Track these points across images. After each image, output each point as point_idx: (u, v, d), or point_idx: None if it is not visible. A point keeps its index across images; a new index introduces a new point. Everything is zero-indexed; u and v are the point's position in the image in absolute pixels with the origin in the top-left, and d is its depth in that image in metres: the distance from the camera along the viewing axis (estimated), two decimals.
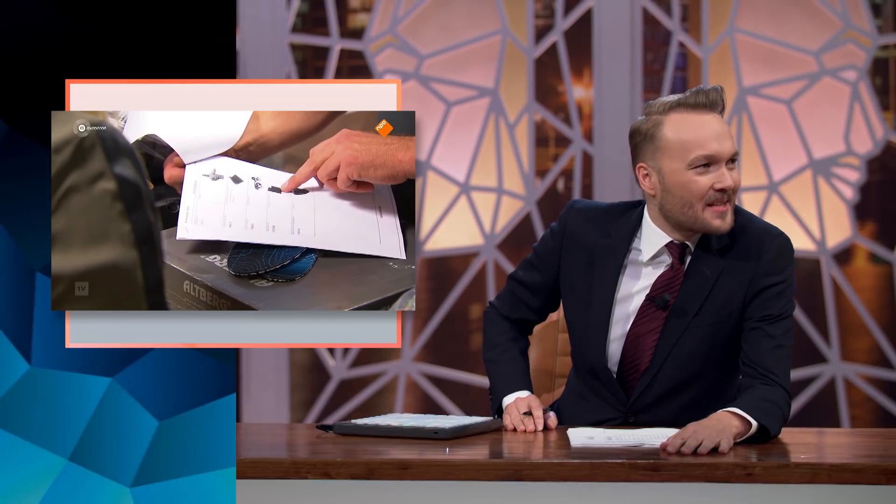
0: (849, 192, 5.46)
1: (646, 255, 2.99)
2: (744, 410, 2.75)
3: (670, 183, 2.93)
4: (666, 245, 2.98)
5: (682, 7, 5.49)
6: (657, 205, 2.96)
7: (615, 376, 2.99)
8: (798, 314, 5.43)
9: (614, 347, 2.99)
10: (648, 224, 2.99)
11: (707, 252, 2.96)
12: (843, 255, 5.47)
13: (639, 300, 2.98)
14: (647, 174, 2.96)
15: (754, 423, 2.75)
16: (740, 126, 5.46)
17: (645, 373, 2.97)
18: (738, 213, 3.00)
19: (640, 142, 2.96)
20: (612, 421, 3.01)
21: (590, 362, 3.01)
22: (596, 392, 3.03)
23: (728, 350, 2.97)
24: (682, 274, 2.97)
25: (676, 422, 2.86)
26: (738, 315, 2.95)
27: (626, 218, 3.02)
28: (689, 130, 2.91)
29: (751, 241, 2.96)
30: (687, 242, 2.97)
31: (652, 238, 2.99)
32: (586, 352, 3.01)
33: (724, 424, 2.70)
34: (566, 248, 3.04)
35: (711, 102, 2.93)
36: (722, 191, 2.90)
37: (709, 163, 2.91)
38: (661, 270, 2.98)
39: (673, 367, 2.96)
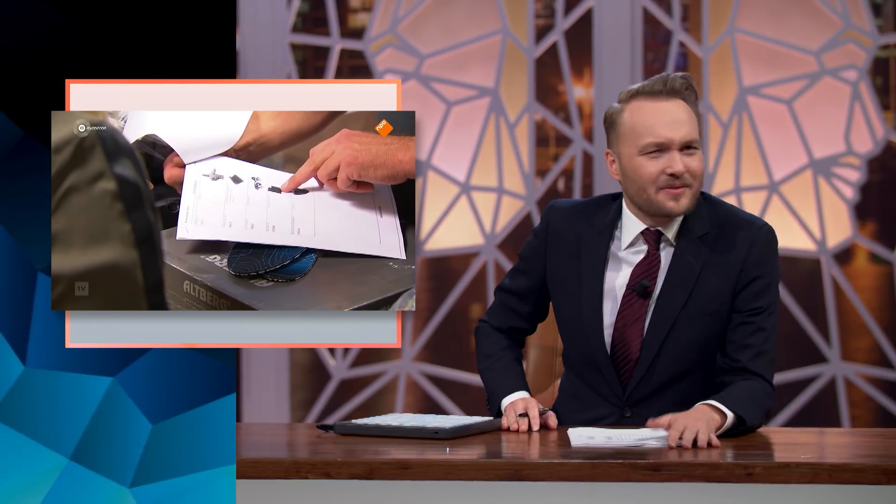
0: (849, 192, 5.45)
1: (624, 243, 3.01)
2: (721, 402, 2.79)
3: (626, 168, 2.99)
4: (641, 233, 3.00)
5: (682, 7, 5.49)
6: (624, 191, 3.02)
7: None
8: (798, 314, 5.43)
9: (606, 336, 3.00)
10: (626, 213, 3.03)
11: (690, 241, 2.98)
12: (844, 255, 5.47)
13: (622, 290, 3.00)
14: (612, 160, 3.03)
15: (730, 415, 2.78)
16: (740, 126, 5.46)
17: (638, 364, 2.98)
18: (720, 204, 3.05)
19: (607, 129, 3.04)
20: (607, 418, 3.01)
21: (589, 353, 3.01)
22: (593, 388, 3.03)
23: (723, 342, 2.98)
24: (658, 260, 2.99)
25: None
26: (730, 306, 2.97)
27: (607, 209, 3.06)
28: (643, 117, 2.96)
29: (737, 231, 2.99)
30: (660, 229, 2.99)
31: (629, 226, 3.03)
32: (584, 343, 3.02)
33: (708, 416, 2.74)
34: (551, 244, 3.07)
35: (670, 90, 2.96)
36: (673, 175, 2.93)
37: (659, 149, 2.95)
38: (639, 258, 3.00)
39: (667, 358, 2.97)
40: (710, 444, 2.67)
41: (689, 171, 2.94)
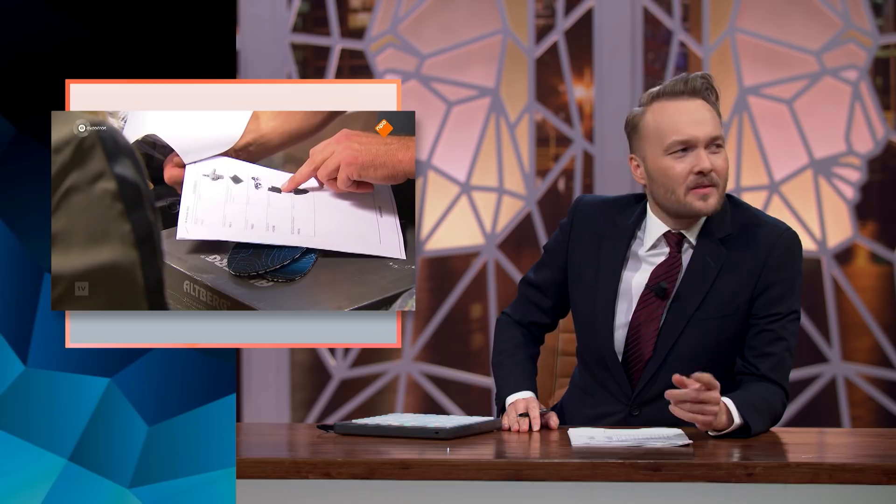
0: (850, 192, 5.45)
1: (646, 244, 3.01)
2: (735, 404, 2.80)
3: (652, 170, 2.98)
4: (664, 235, 2.99)
5: (682, 7, 5.49)
6: (650, 194, 3.00)
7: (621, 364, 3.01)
8: None
9: (619, 335, 3.00)
10: (650, 214, 3.03)
11: (710, 242, 2.98)
12: (844, 255, 5.47)
13: (640, 290, 3.00)
14: (637, 165, 3.03)
15: (737, 419, 2.79)
16: (741, 126, 5.46)
17: (649, 364, 2.98)
18: (745, 207, 3.04)
19: (630, 133, 3.03)
20: (615, 415, 3.02)
21: (598, 350, 3.01)
22: (602, 384, 3.04)
23: (736, 345, 2.98)
24: (679, 263, 2.99)
25: (679, 419, 2.85)
26: (746, 310, 2.96)
27: (632, 209, 3.06)
28: (666, 117, 2.96)
29: (759, 235, 2.98)
30: (684, 232, 2.99)
31: (652, 228, 3.02)
32: (594, 340, 3.02)
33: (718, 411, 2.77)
34: (574, 238, 3.07)
35: (691, 89, 2.96)
36: (701, 173, 2.93)
37: (685, 147, 2.95)
38: (660, 260, 3.00)
39: (679, 359, 2.97)
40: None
41: (716, 169, 2.94)
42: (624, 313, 3.01)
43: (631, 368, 3.00)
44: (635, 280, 3.01)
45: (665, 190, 2.96)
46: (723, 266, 2.97)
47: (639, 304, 2.99)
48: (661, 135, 2.95)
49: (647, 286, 2.99)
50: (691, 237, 3.00)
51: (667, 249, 3.01)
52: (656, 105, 2.97)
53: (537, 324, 3.15)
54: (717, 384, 2.74)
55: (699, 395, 2.72)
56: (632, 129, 3.01)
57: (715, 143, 2.95)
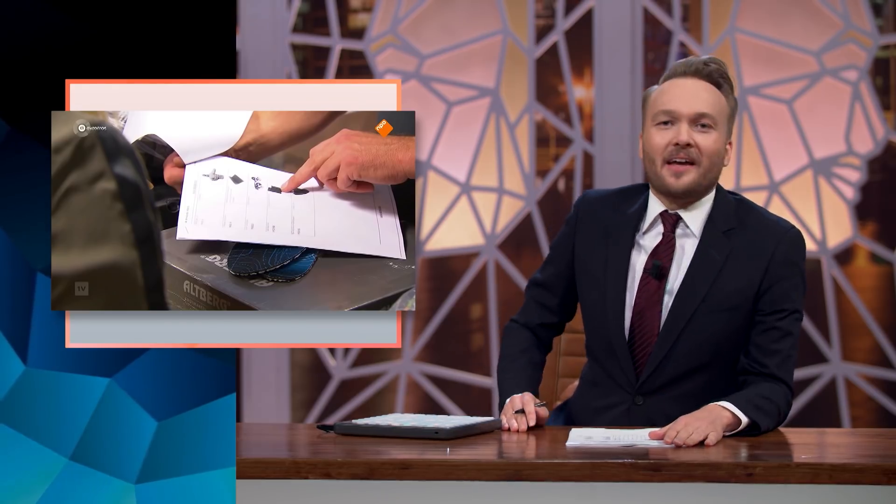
0: (850, 192, 5.45)
1: (644, 226, 3.03)
2: (736, 405, 2.81)
3: (643, 142, 3.04)
4: (660, 214, 3.02)
5: (682, 7, 5.49)
6: (644, 172, 3.06)
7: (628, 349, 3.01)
8: None
9: (627, 318, 3.01)
10: (651, 198, 3.06)
11: (715, 235, 2.99)
12: (844, 255, 5.47)
13: (641, 274, 3.02)
14: (641, 142, 3.07)
15: (744, 418, 2.80)
16: (741, 126, 5.46)
17: (654, 351, 2.98)
18: (749, 204, 3.07)
19: (642, 112, 3.08)
20: (619, 406, 3.02)
21: (607, 336, 3.02)
22: (609, 374, 3.04)
23: (740, 340, 3.00)
24: (672, 244, 3.01)
25: (682, 411, 2.85)
26: (752, 304, 2.98)
27: (637, 197, 3.09)
28: (664, 92, 3.02)
29: (763, 231, 3.01)
30: (680, 213, 3.01)
31: (651, 209, 3.04)
32: (604, 326, 3.02)
33: (716, 416, 2.76)
34: (580, 230, 3.09)
35: (694, 70, 3.02)
36: (678, 146, 2.96)
37: (669, 119, 3.00)
38: (656, 241, 3.02)
39: (683, 350, 2.98)
40: (704, 444, 2.68)
41: (699, 147, 2.97)
42: (630, 298, 3.02)
43: (636, 354, 3.01)
44: (638, 265, 3.03)
45: (649, 161, 3.01)
46: (728, 258, 2.99)
47: (639, 287, 3.01)
48: (652, 106, 3.02)
49: (644, 268, 3.00)
50: (688, 220, 3.01)
51: (661, 229, 3.02)
52: (665, 83, 3.04)
53: (545, 325, 3.15)
54: (672, 432, 2.71)
55: (674, 429, 2.71)
56: (642, 106, 3.07)
57: (701, 121, 2.97)
